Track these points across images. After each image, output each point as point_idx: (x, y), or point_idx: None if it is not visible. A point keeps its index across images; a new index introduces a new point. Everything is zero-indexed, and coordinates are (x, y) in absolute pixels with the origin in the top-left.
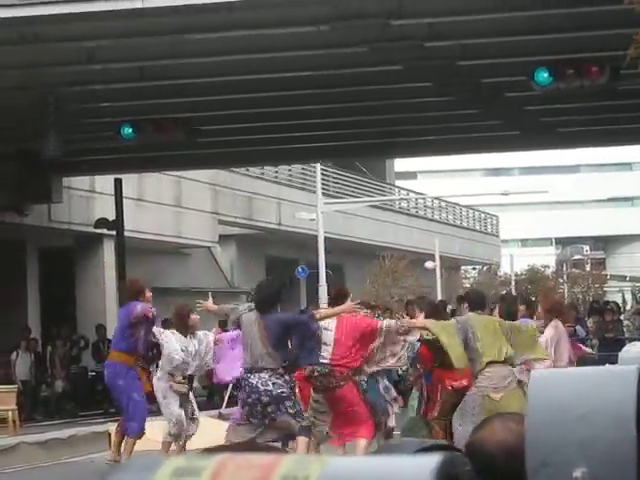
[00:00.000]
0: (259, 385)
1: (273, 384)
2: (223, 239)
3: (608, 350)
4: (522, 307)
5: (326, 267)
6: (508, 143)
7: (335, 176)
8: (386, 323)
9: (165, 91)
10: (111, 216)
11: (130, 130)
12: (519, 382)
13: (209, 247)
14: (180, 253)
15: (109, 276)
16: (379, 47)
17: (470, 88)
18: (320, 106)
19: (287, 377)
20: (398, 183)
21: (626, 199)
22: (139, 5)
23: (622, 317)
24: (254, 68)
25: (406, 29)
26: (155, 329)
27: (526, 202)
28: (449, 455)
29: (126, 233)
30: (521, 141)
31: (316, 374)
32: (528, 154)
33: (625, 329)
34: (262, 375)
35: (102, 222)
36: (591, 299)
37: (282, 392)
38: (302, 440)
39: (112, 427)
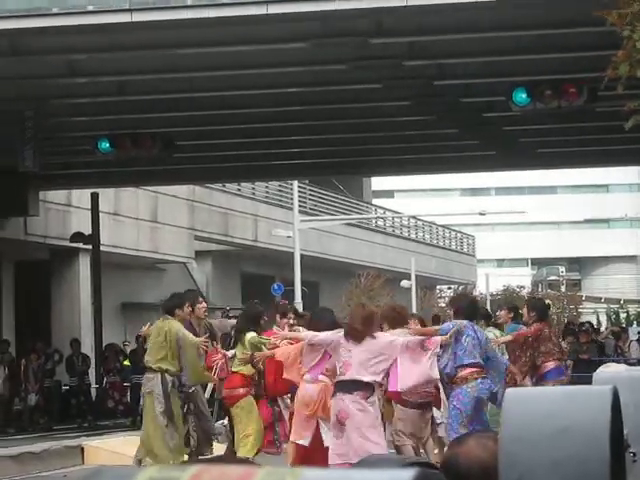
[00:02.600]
0: None
1: None
2: (199, 255)
3: (582, 371)
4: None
5: (302, 285)
6: (485, 163)
7: (312, 194)
8: None
9: (143, 106)
10: (87, 230)
11: (107, 145)
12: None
13: (185, 263)
14: (156, 268)
15: (84, 290)
16: (359, 65)
17: (448, 108)
18: (298, 123)
19: None
20: (375, 202)
21: (602, 221)
22: (127, 19)
23: (598, 338)
24: (234, 84)
25: (386, 48)
26: None
27: (502, 222)
28: (424, 470)
29: (102, 248)
30: (499, 161)
31: None
32: (505, 175)
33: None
34: None
35: (78, 236)
36: (566, 320)
37: None
38: None
39: (85, 442)
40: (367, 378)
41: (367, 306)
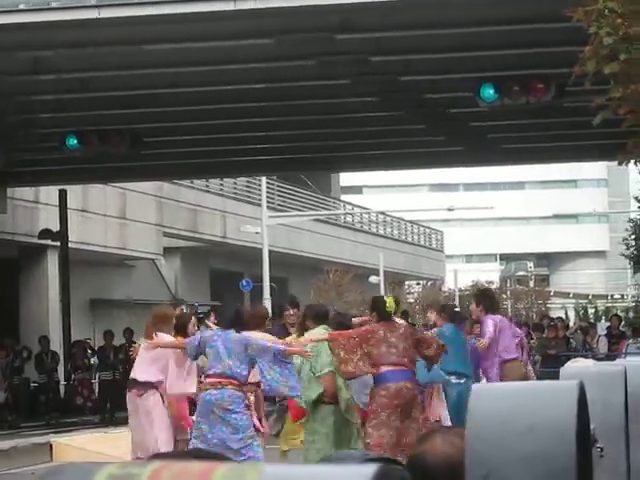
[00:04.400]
0: None
1: None
2: (167, 251)
3: (550, 366)
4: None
5: (270, 281)
6: (454, 159)
7: (280, 190)
8: None
9: (111, 102)
10: (55, 227)
11: (75, 141)
12: None
13: (153, 259)
14: (124, 265)
15: (53, 287)
16: (325, 61)
17: (415, 104)
18: (265, 119)
19: None
20: (343, 197)
21: (570, 216)
22: (95, 16)
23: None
24: (201, 80)
25: (352, 43)
26: None
27: (471, 218)
28: (386, 466)
29: (70, 244)
30: (467, 157)
31: None
32: (473, 170)
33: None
34: None
35: (46, 233)
36: (534, 315)
37: None
38: None
39: (54, 439)
40: (143, 377)
41: (165, 306)
